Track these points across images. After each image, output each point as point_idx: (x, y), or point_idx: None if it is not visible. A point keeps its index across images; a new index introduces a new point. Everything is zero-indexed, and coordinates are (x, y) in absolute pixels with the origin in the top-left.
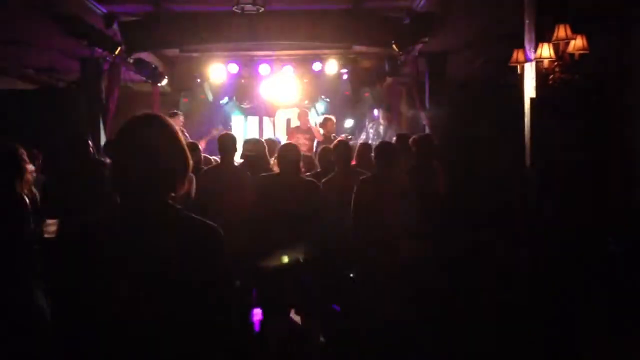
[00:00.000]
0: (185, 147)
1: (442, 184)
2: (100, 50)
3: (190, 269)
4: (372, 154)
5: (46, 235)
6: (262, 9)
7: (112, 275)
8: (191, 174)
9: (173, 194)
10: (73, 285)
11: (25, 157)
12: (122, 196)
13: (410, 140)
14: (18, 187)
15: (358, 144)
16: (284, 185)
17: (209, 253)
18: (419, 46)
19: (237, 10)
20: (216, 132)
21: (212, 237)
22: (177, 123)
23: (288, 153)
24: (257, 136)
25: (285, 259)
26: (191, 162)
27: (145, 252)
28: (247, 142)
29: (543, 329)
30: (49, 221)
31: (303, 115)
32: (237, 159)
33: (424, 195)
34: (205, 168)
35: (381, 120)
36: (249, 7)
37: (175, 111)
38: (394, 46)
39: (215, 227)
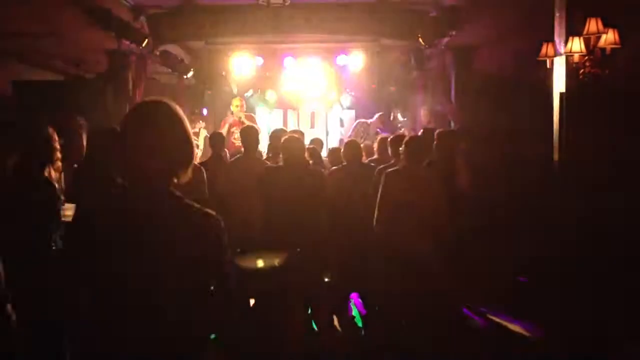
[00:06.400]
0: (190, 136)
1: (466, 181)
2: (127, 43)
3: (188, 256)
4: (401, 148)
5: (63, 219)
6: (288, 2)
7: (115, 256)
8: (199, 165)
9: (176, 181)
10: (79, 264)
11: (57, 144)
12: (125, 180)
13: (435, 133)
14: (47, 172)
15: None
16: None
17: (208, 244)
18: (445, 39)
19: (262, 3)
20: (200, 125)
21: (211, 227)
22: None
23: (292, 144)
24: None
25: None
26: (195, 151)
27: (145, 239)
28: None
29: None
30: (67, 205)
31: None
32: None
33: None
34: (230, 161)
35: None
36: None
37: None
38: (420, 39)
39: (215, 217)
